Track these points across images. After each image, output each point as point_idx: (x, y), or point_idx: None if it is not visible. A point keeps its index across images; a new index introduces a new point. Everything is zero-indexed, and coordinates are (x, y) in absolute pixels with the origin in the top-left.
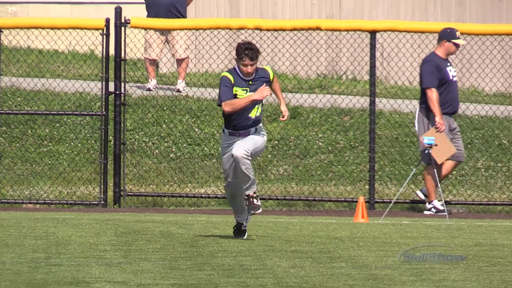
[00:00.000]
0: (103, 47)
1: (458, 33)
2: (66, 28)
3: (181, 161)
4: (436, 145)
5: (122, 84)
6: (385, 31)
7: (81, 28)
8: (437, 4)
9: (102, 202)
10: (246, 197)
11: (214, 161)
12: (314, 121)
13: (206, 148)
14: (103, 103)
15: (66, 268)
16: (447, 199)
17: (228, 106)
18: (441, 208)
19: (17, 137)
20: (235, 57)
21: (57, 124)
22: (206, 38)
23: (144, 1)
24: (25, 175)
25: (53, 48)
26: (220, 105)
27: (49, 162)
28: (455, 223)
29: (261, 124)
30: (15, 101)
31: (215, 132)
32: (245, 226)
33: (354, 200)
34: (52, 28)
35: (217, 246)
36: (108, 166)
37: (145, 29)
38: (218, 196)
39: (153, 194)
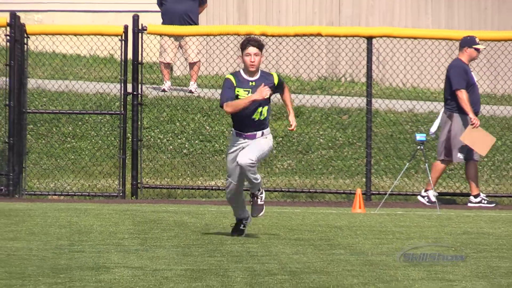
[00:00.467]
0: (121, 52)
1: (477, 39)
2: (87, 34)
3: (193, 156)
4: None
5: (139, 85)
6: (380, 37)
7: (102, 34)
8: (428, 12)
9: (121, 194)
10: (251, 195)
11: (224, 156)
12: (316, 119)
13: (216, 144)
14: (122, 103)
15: (88, 255)
16: (438, 191)
17: (228, 107)
18: (433, 199)
19: (43, 134)
20: (240, 53)
21: (80, 122)
22: (216, 43)
23: (159, 10)
24: (50, 169)
25: (75, 52)
26: (222, 106)
27: (72, 157)
28: (445, 213)
29: (268, 129)
30: (41, 101)
31: (225, 129)
32: (244, 226)
33: (352, 192)
34: (75, 34)
35: (226, 234)
36: (126, 160)
37: (160, 35)
38: None
39: (168, 186)
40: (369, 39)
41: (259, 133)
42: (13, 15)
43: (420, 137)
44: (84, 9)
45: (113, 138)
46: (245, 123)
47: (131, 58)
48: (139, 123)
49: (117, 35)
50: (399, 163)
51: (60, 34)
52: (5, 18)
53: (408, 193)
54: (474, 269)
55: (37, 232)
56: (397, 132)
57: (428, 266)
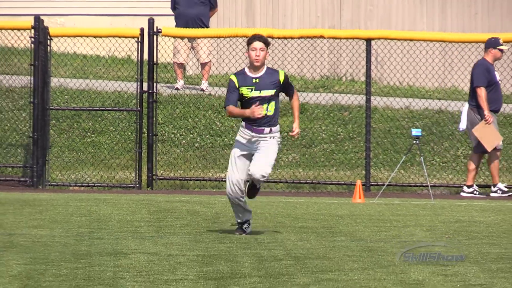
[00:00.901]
0: (138, 53)
1: (501, 41)
2: (106, 36)
3: (205, 150)
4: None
5: (154, 84)
6: (378, 39)
7: (119, 37)
8: (423, 16)
9: (137, 185)
10: (251, 186)
11: None
12: (318, 115)
13: (226, 139)
14: (138, 100)
15: (107, 241)
16: (432, 183)
17: (228, 112)
18: (505, 189)
19: (65, 130)
20: (246, 50)
21: (99, 118)
22: (226, 45)
23: (173, 14)
24: (72, 162)
25: (95, 53)
26: (225, 107)
27: (92, 150)
28: (439, 202)
29: (278, 127)
30: (63, 99)
31: (234, 125)
32: (246, 228)
33: (352, 183)
34: (94, 36)
35: (235, 222)
36: (142, 154)
37: (174, 37)
38: None
39: (181, 178)
40: (368, 41)
41: (267, 129)
42: (37, 19)
43: (415, 132)
44: (103, 13)
45: (130, 133)
46: (252, 118)
47: (147, 58)
48: (154, 119)
49: (133, 37)
50: (396, 156)
51: (81, 36)
52: (30, 21)
53: (404, 184)
54: (465, 254)
55: (59, 220)
56: (394, 128)
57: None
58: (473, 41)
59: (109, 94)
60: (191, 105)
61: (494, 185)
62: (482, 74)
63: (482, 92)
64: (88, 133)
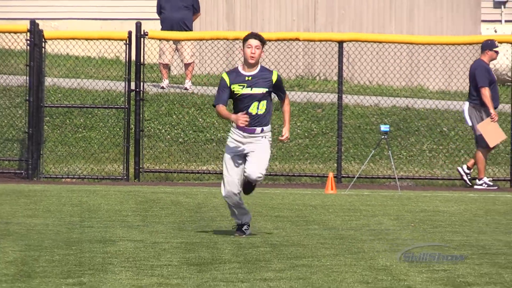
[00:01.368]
0: (126, 54)
1: (496, 43)
2: (97, 39)
3: (188, 144)
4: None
5: (141, 83)
6: (350, 41)
7: (109, 39)
8: (391, 20)
9: (125, 177)
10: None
11: (214, 144)
12: (294, 112)
13: (208, 134)
14: (126, 98)
15: (96, 230)
16: (399, 175)
17: (216, 111)
18: (490, 183)
19: (58, 126)
20: (242, 48)
21: (90, 115)
22: (208, 47)
23: (159, 18)
24: (64, 156)
25: (86, 55)
26: (214, 106)
27: (83, 145)
28: (405, 193)
29: (269, 127)
30: (56, 97)
31: (215, 121)
32: (246, 229)
33: (325, 175)
34: (86, 39)
35: (216, 212)
36: (130, 148)
37: (160, 39)
38: (217, 172)
39: (166, 170)
40: (340, 43)
41: (258, 129)
42: (33, 22)
43: (384, 128)
44: (93, 17)
45: (118, 129)
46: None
47: (134, 59)
48: (141, 116)
49: (122, 40)
50: (366, 150)
51: (73, 39)
52: (26, 25)
53: (373, 176)
54: (430, 241)
55: (52, 210)
56: (364, 124)
57: (391, 240)
58: (438, 44)
59: (99, 92)
60: (175, 102)
61: (480, 179)
62: (484, 75)
63: (486, 91)
64: (80, 129)
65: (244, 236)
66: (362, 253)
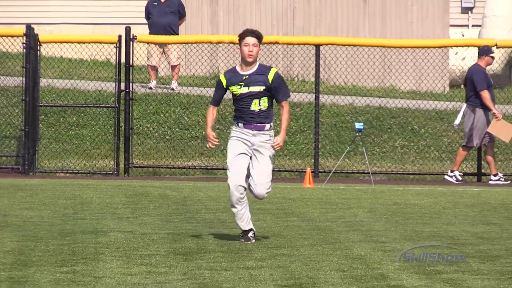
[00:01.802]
0: (116, 57)
1: (493, 49)
2: (89, 42)
3: (174, 141)
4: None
5: (130, 84)
6: (326, 44)
7: (100, 42)
8: (365, 24)
9: (116, 172)
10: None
11: (199, 141)
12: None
13: (193, 132)
14: (116, 98)
15: (89, 221)
16: (373, 170)
17: (207, 112)
18: (460, 178)
19: (52, 124)
20: (239, 45)
21: (82, 114)
22: (193, 50)
23: (147, 22)
24: (58, 152)
25: (79, 57)
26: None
27: (76, 142)
28: (378, 187)
29: (271, 124)
30: (50, 97)
31: (200, 120)
32: (252, 236)
33: (303, 170)
34: (78, 42)
35: (201, 205)
36: (120, 145)
37: (148, 43)
38: (202, 167)
39: (153, 166)
40: (317, 46)
41: (267, 125)
42: (29, 27)
43: (358, 125)
44: (86, 22)
45: (109, 127)
46: (246, 114)
47: (124, 61)
48: (130, 114)
49: (112, 43)
50: (341, 147)
51: (67, 42)
52: (22, 29)
53: (348, 171)
54: (402, 233)
55: (47, 203)
56: (339, 122)
57: (365, 231)
58: (409, 47)
59: (91, 92)
60: (162, 102)
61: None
62: (482, 79)
63: (486, 94)
64: (73, 127)
65: (249, 242)
66: (338, 243)
